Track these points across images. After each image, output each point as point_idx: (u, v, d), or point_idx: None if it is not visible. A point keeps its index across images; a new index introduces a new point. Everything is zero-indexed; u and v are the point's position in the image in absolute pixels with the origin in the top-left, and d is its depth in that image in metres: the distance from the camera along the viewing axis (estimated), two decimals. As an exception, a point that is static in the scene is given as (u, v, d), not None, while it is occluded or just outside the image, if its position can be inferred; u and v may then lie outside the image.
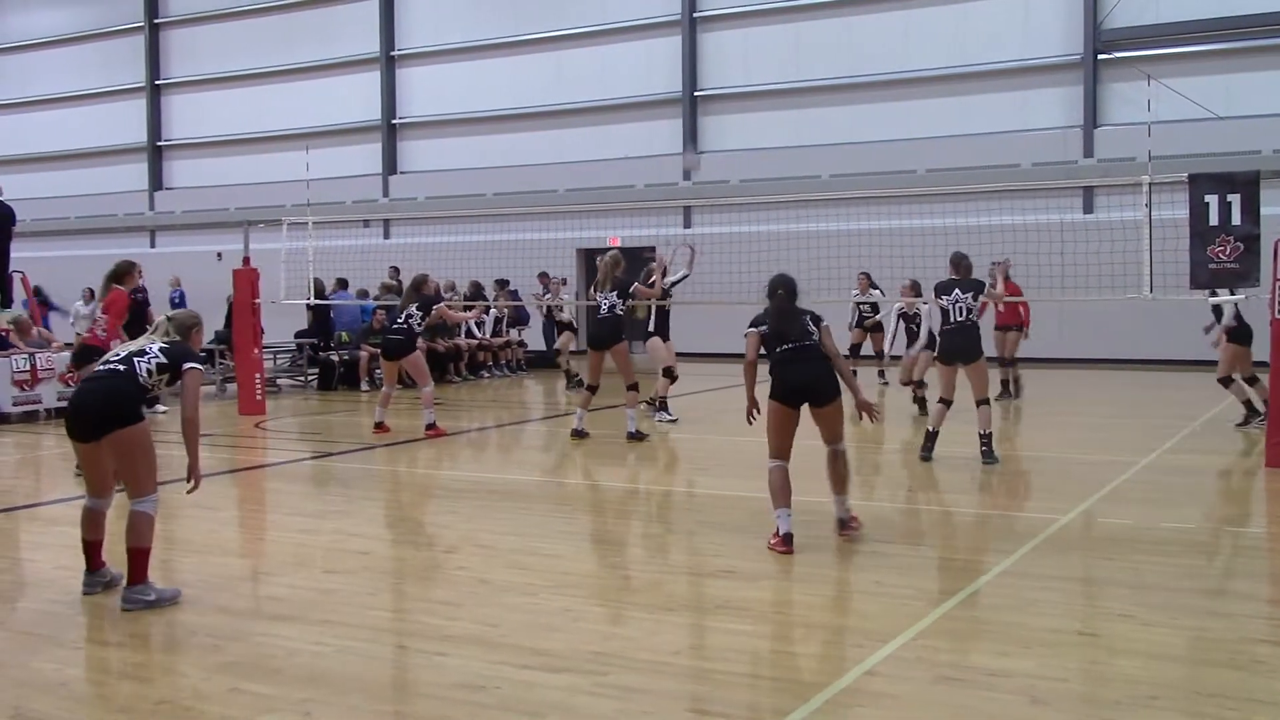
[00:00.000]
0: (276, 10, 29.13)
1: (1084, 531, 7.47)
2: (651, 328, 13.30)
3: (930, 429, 10.06)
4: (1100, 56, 20.96)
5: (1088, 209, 20.11)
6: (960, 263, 10.13)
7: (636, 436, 11.49)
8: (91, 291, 17.65)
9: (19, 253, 16.24)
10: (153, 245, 29.96)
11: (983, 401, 9.80)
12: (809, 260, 13.41)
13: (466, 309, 19.27)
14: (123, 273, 9.65)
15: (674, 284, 13.61)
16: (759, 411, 7.08)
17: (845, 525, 7.02)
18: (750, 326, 7.13)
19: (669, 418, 12.87)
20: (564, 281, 20.84)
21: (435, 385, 12.95)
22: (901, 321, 14.70)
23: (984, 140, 21.36)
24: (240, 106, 29.54)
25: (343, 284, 19.67)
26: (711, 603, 5.78)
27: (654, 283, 12.88)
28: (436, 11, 27.19)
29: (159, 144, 31.29)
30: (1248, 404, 11.74)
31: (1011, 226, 14.42)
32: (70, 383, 13.64)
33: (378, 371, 16.24)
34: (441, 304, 12.94)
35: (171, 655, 5.18)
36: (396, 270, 20.09)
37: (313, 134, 26.53)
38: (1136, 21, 20.69)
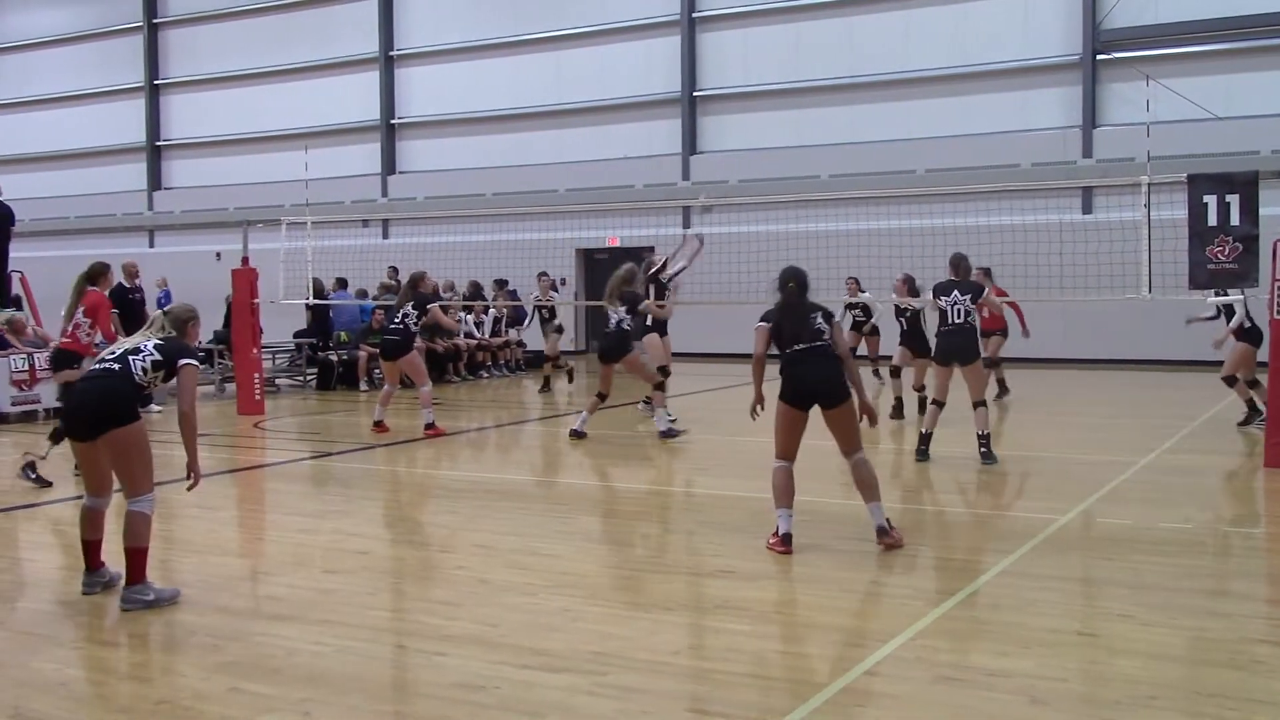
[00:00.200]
0: (276, 10, 29.12)
1: (1083, 531, 7.47)
2: (649, 322, 13.30)
3: (924, 430, 10.09)
4: (1100, 57, 20.97)
5: (1087, 209, 20.12)
6: (960, 264, 10.15)
7: (669, 435, 11.51)
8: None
9: (18, 252, 16.29)
10: (151, 245, 29.98)
11: (980, 403, 9.82)
12: (809, 260, 13.25)
13: (466, 309, 19.35)
14: (97, 274, 9.55)
15: (672, 276, 13.62)
16: (763, 408, 7.05)
17: (884, 533, 6.78)
18: (761, 320, 7.04)
19: (669, 418, 12.84)
20: (563, 281, 20.78)
21: (435, 385, 12.94)
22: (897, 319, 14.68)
23: (984, 140, 21.37)
24: (239, 106, 29.53)
25: (342, 284, 19.69)
26: (711, 603, 5.78)
27: (666, 279, 12.89)
28: (436, 11, 27.18)
29: (158, 144, 31.28)
30: (1250, 403, 11.74)
31: (1011, 227, 14.44)
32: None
33: (377, 371, 16.25)
34: (435, 305, 12.77)
35: (171, 655, 5.18)
36: (395, 270, 20.09)
37: (312, 134, 26.55)
38: (1136, 22, 20.69)
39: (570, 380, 17.95)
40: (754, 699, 4.44)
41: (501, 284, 19.98)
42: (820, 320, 6.91)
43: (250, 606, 5.84)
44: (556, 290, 20.12)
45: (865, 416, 6.93)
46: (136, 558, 5.73)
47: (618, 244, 23.26)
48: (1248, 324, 11.52)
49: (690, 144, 24.44)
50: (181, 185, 30.84)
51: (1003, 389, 14.77)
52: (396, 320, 12.35)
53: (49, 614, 5.78)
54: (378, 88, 27.74)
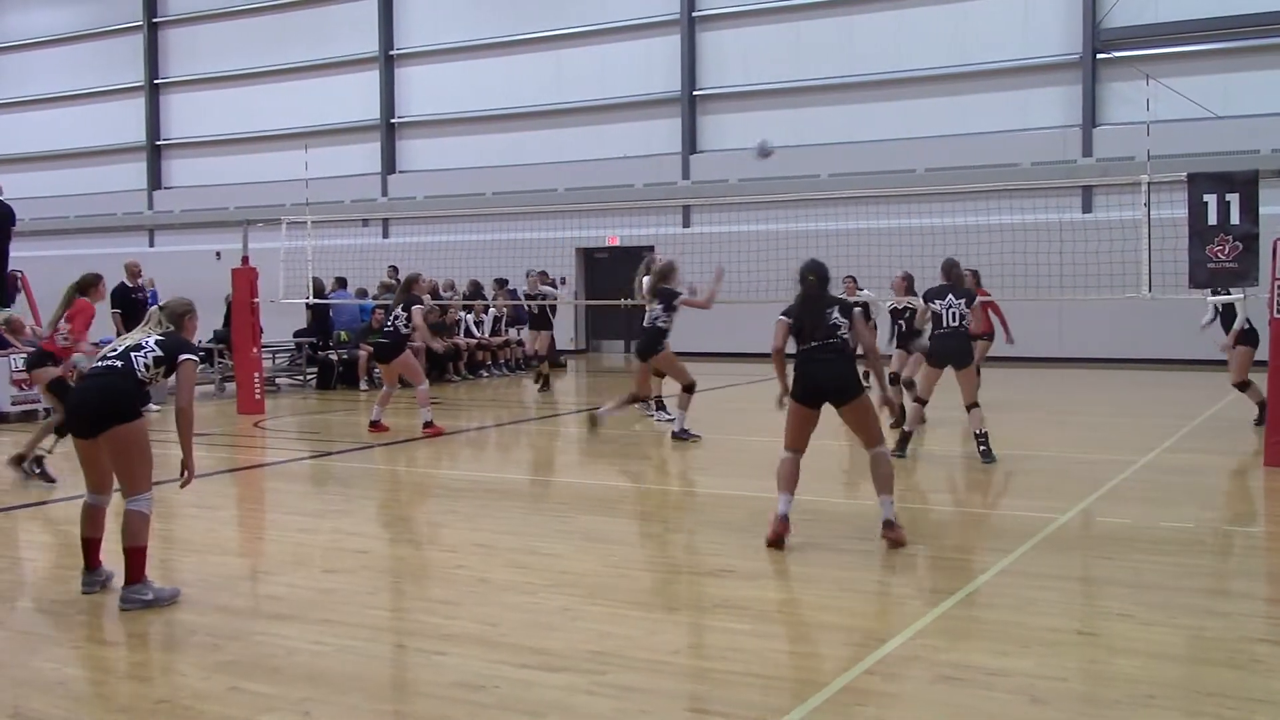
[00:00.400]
0: (275, 9, 29.12)
1: (1083, 531, 7.47)
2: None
3: (905, 429, 10.13)
4: (1099, 56, 20.97)
5: (1086, 208, 20.13)
6: (952, 270, 10.25)
7: (682, 436, 11.51)
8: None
9: (18, 252, 16.27)
10: (151, 245, 29.98)
11: (973, 405, 9.85)
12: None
13: (466, 308, 19.35)
14: (88, 285, 9.64)
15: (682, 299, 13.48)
16: (787, 400, 7.04)
17: (891, 526, 6.81)
18: (782, 315, 7.07)
19: (668, 418, 12.85)
20: (563, 280, 20.75)
21: (434, 384, 12.95)
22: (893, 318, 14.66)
23: (983, 140, 21.36)
24: (239, 106, 29.53)
25: (341, 283, 19.68)
26: (710, 602, 5.78)
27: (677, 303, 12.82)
28: (435, 11, 27.18)
29: (158, 143, 31.28)
30: (1262, 404, 11.73)
31: (1010, 226, 14.44)
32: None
33: (376, 371, 16.25)
34: (417, 307, 12.47)
35: (171, 654, 5.18)
36: (395, 269, 20.10)
37: (311, 133, 26.54)
38: (1135, 21, 20.70)
39: (546, 387, 17.18)
40: (754, 698, 4.44)
41: (502, 283, 19.97)
42: (837, 314, 6.93)
43: (250, 606, 5.84)
44: (554, 286, 20.04)
45: (886, 408, 6.93)
46: (135, 557, 5.73)
47: (617, 243, 23.28)
48: (1246, 326, 11.52)
49: (690, 143, 24.44)
50: (181, 185, 30.84)
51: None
52: (389, 324, 12.52)
53: (49, 613, 5.78)
54: (377, 87, 27.74)
